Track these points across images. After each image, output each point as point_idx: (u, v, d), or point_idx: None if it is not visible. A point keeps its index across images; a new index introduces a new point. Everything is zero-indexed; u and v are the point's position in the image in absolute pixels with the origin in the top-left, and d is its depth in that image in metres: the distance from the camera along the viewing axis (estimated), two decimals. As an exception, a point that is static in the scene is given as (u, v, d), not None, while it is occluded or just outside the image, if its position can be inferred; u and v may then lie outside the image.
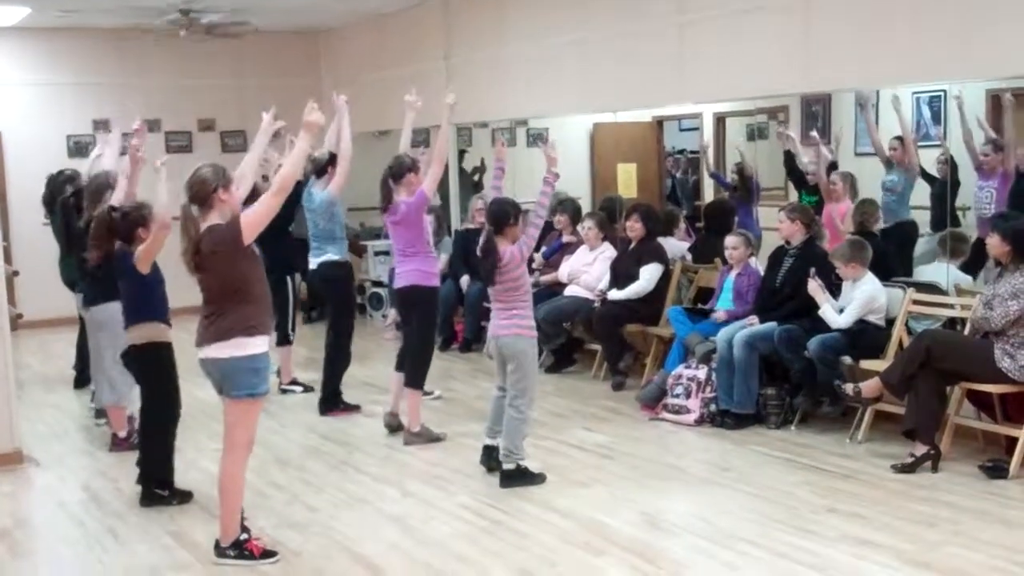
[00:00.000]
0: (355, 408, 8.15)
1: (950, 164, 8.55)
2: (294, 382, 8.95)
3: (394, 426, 7.47)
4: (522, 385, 6.25)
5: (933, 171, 9.18)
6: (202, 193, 5.03)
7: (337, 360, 8.17)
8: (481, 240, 6.28)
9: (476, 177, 13.26)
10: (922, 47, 7.30)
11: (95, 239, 6.49)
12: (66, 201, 8.13)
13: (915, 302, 7.14)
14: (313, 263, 8.18)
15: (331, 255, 8.04)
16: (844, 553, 5.10)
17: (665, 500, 6.01)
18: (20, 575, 5.33)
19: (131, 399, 7.19)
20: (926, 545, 5.19)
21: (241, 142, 13.98)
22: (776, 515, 5.66)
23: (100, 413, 7.91)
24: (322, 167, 8.02)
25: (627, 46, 9.70)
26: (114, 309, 6.67)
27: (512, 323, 6.23)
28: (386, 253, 12.06)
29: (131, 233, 6.27)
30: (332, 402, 8.14)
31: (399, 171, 7.19)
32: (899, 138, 10.06)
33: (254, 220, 5.03)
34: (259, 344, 5.09)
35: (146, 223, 6.23)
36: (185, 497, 6.15)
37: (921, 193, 9.40)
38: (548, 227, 10.32)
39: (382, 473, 6.67)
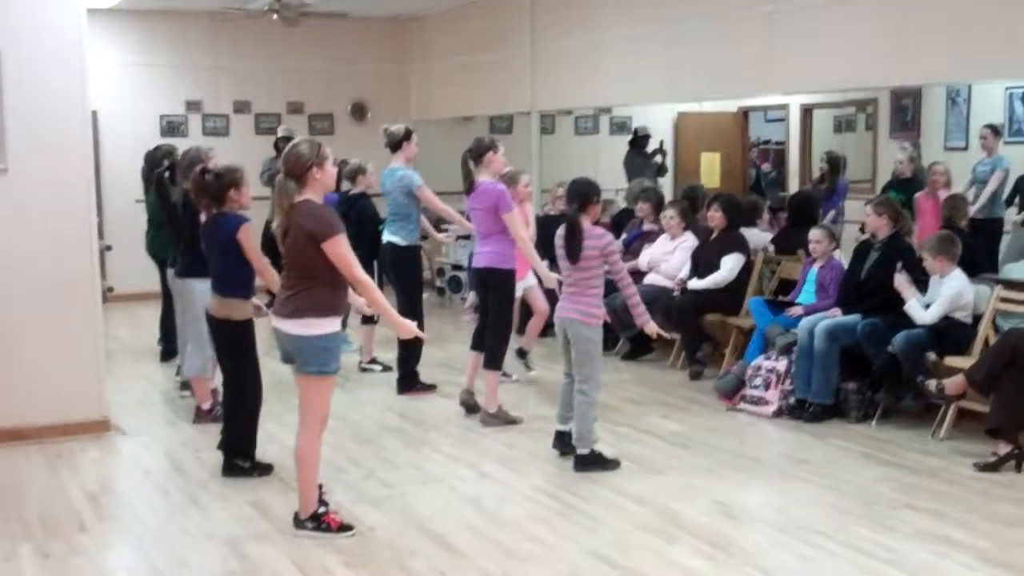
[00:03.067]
0: (431, 388, 8.22)
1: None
2: (374, 361, 9.05)
3: (470, 404, 7.52)
4: (587, 371, 6.27)
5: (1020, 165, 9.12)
6: (297, 169, 5.13)
7: (409, 342, 8.21)
8: (567, 221, 6.30)
9: (659, 159, 13.22)
10: (1017, 41, 7.15)
11: (198, 200, 6.52)
12: (161, 175, 8.29)
13: (1003, 299, 7.02)
14: (383, 239, 8.30)
15: (398, 239, 8.12)
16: (921, 550, 5.05)
17: (740, 490, 5.99)
18: (107, 537, 5.49)
19: (216, 372, 7.34)
20: (1006, 544, 5.11)
21: (328, 125, 14.20)
22: (853, 509, 5.62)
23: (185, 385, 8.09)
24: (397, 142, 8.09)
25: (715, 35, 9.65)
26: (204, 285, 6.75)
27: (578, 308, 6.26)
28: (467, 237, 12.12)
29: (223, 194, 6.28)
30: (409, 382, 8.22)
31: (479, 151, 7.24)
32: (990, 126, 9.96)
33: (340, 256, 5.11)
34: (330, 324, 5.16)
35: (238, 185, 6.28)
36: (265, 470, 6.27)
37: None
38: (629, 215, 10.33)
39: (457, 453, 6.74)
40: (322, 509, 5.32)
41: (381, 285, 9.02)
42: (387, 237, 8.21)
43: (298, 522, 5.31)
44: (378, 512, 5.63)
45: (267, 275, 6.22)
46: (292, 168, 5.14)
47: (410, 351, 8.23)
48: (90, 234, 7.27)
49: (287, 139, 11.23)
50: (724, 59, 9.56)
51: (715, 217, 8.74)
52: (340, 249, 5.11)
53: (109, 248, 9.93)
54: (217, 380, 7.12)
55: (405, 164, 8.13)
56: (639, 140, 13.17)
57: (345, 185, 9.02)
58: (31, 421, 7.07)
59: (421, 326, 8.16)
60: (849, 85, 9.17)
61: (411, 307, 8.20)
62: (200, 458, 6.61)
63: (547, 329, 10.24)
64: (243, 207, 6.36)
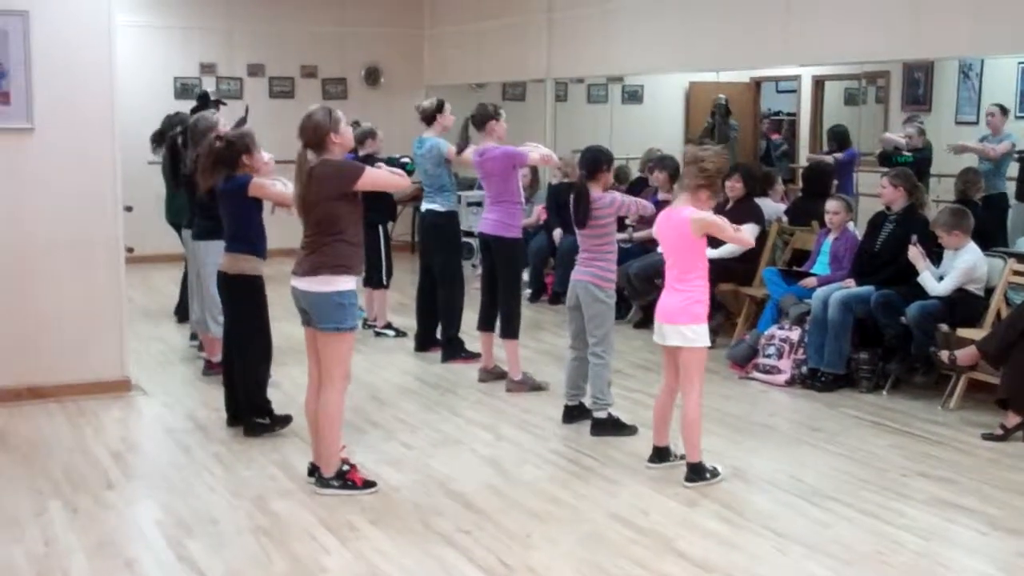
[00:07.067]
0: (476, 356, 7.97)
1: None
2: (388, 326, 9.12)
3: (497, 374, 7.53)
4: (600, 332, 6.36)
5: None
6: (316, 138, 5.25)
7: (448, 309, 8.22)
8: (575, 188, 6.41)
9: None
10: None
11: (204, 169, 6.51)
12: (174, 141, 8.33)
13: (1016, 272, 7.09)
14: (422, 208, 8.37)
15: (436, 205, 8.18)
16: (933, 516, 5.15)
17: (754, 456, 6.09)
18: (135, 495, 5.57)
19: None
20: (1017, 512, 5.22)
21: (342, 89, 14.20)
22: (865, 476, 5.72)
23: (203, 345, 8.14)
24: (430, 115, 8.14)
25: (732, 5, 9.65)
26: (221, 247, 6.83)
27: (591, 271, 6.36)
28: (478, 204, 12.16)
29: (236, 160, 6.30)
30: (452, 349, 8.19)
31: (483, 119, 7.35)
32: (998, 105, 10.00)
33: (376, 181, 5.40)
34: (345, 282, 5.29)
35: (250, 151, 6.31)
36: (285, 421, 6.38)
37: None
38: (643, 184, 10.37)
39: (475, 416, 6.84)
40: (346, 467, 5.42)
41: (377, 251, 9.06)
42: (426, 205, 8.27)
43: (322, 481, 5.40)
44: (400, 473, 5.73)
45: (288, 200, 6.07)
46: (311, 137, 5.26)
47: (449, 320, 8.23)
48: (114, 193, 7.34)
49: (218, 103, 10.99)
50: (741, 30, 9.58)
51: (735, 187, 8.76)
52: (372, 177, 5.38)
53: (129, 209, 9.91)
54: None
55: (439, 135, 8.17)
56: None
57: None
58: (52, 379, 7.15)
59: (462, 290, 8.28)
60: (868, 57, 9.18)
61: (452, 272, 8.26)
62: (222, 418, 6.65)
63: (560, 297, 10.35)
64: (256, 172, 6.37)
